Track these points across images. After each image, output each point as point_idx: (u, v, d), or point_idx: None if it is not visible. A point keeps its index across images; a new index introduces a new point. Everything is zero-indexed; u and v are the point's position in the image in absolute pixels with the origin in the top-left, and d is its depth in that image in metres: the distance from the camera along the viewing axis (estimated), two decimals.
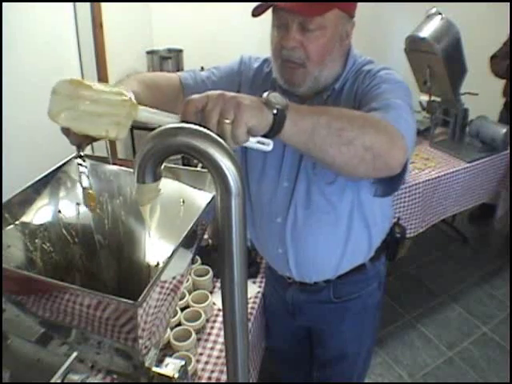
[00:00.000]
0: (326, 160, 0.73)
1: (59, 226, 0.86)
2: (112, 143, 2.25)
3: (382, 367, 2.11)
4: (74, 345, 0.73)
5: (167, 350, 1.17)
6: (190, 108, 0.59)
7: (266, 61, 1.12)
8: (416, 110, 2.38)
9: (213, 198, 0.80)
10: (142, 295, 0.58)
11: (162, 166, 0.56)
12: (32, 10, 1.81)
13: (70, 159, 0.88)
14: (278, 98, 0.64)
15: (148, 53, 2.81)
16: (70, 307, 0.63)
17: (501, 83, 2.72)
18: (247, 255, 0.59)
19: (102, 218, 0.90)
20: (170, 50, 2.82)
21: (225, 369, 1.06)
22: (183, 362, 0.79)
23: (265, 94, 0.64)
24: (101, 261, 0.91)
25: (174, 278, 0.71)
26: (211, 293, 1.37)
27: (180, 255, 0.69)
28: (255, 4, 0.92)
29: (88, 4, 2.17)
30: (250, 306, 1.36)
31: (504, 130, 2.28)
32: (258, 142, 0.64)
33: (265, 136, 0.64)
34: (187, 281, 1.37)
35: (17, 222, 0.79)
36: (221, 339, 1.24)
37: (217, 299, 1.35)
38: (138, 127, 2.14)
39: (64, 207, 0.88)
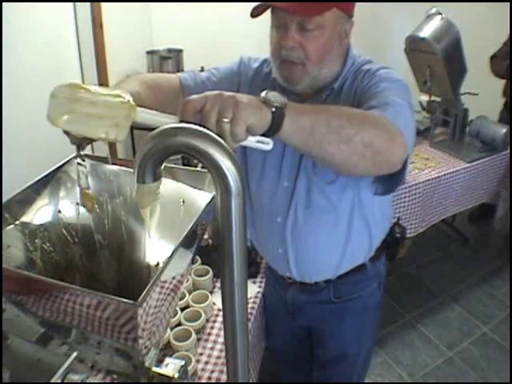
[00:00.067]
0: (326, 158, 0.73)
1: (59, 225, 0.86)
2: (112, 143, 2.25)
3: (382, 367, 2.11)
4: (74, 345, 0.73)
5: (167, 349, 1.17)
6: (188, 108, 0.59)
7: (265, 61, 1.12)
8: (416, 110, 2.38)
9: (213, 197, 0.80)
10: (142, 295, 0.58)
11: (162, 166, 0.56)
12: (32, 10, 1.81)
13: (70, 159, 0.88)
14: (276, 97, 0.64)
15: (148, 53, 2.81)
16: (70, 307, 0.63)
17: (501, 83, 2.72)
18: (247, 255, 0.59)
19: (102, 218, 0.90)
20: (170, 50, 2.82)
21: (225, 369, 1.06)
22: (183, 362, 0.79)
23: (263, 93, 0.64)
24: (101, 261, 0.91)
25: (173, 278, 0.71)
26: (211, 293, 1.37)
27: (180, 255, 0.69)
28: (255, 4, 0.92)
29: (88, 4, 2.17)
30: (250, 305, 1.36)
31: (504, 130, 2.28)
32: (258, 142, 0.64)
33: (264, 135, 0.63)
34: (187, 281, 1.36)
35: (17, 222, 0.79)
36: (221, 339, 1.24)
37: (217, 299, 1.35)
38: (138, 127, 2.14)
39: (64, 207, 0.87)
